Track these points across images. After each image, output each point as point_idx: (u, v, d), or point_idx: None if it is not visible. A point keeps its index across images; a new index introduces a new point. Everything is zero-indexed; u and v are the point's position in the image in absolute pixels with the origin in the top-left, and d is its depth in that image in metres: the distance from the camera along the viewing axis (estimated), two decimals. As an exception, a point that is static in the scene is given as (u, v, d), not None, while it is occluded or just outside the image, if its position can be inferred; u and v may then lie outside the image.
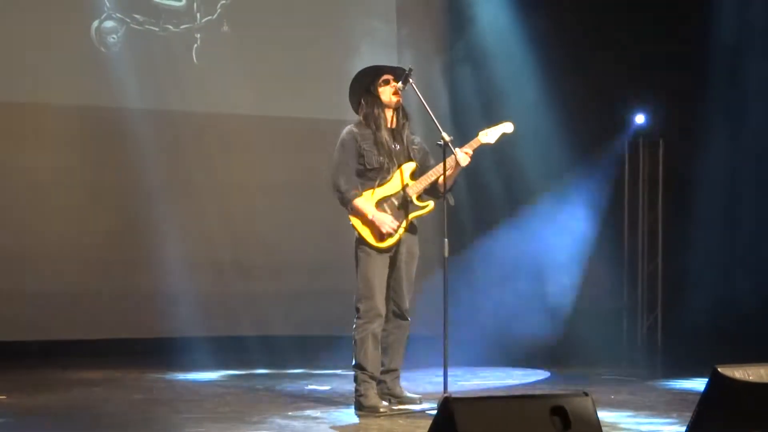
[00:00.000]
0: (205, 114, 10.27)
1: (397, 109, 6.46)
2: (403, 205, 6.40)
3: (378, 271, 6.37)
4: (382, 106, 6.42)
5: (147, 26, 10.18)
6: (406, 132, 6.50)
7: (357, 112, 6.53)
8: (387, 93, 6.41)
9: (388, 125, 6.46)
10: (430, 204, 6.46)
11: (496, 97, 10.77)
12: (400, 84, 6.35)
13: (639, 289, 11.44)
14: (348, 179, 6.38)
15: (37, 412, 6.52)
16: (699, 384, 4.41)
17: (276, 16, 10.57)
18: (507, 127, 6.46)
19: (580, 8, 10.82)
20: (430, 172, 6.41)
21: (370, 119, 6.43)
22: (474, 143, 6.39)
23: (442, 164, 6.21)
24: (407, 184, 6.43)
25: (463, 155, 6.26)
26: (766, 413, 4.19)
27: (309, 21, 10.60)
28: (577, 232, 10.85)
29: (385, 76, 6.41)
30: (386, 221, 6.34)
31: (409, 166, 6.47)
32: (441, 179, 6.25)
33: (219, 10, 10.43)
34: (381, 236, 6.36)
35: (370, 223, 6.36)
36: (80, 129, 9.90)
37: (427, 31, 11.09)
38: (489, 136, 6.41)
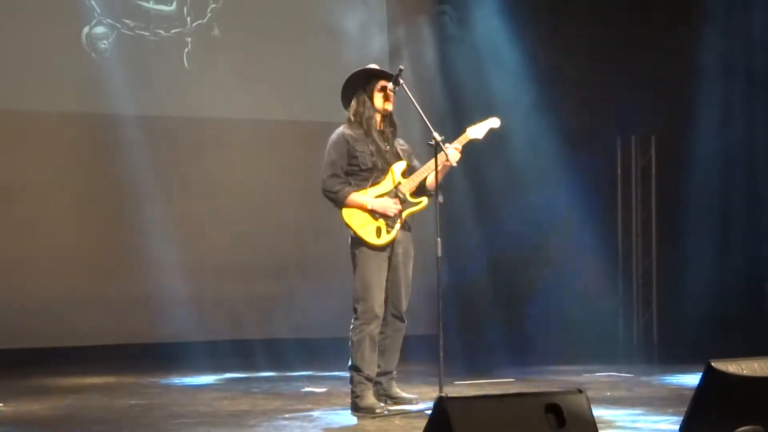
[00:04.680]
0: (197, 118, 10.27)
1: (387, 115, 6.49)
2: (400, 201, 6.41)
3: (376, 271, 6.37)
4: (374, 110, 6.44)
5: (138, 31, 10.18)
6: (394, 138, 6.52)
7: (344, 105, 6.53)
8: (380, 99, 6.42)
9: (378, 128, 6.48)
10: (424, 200, 6.46)
11: (487, 95, 10.78)
12: (390, 84, 6.36)
13: (634, 285, 11.44)
14: (339, 180, 6.39)
15: (34, 420, 6.51)
16: (695, 379, 4.41)
17: (266, 20, 10.58)
18: (494, 122, 6.51)
19: (573, 6, 10.83)
20: (422, 169, 6.42)
21: (362, 120, 6.43)
22: (462, 139, 6.42)
23: (432, 161, 6.22)
24: (399, 182, 6.44)
25: (453, 152, 6.29)
26: (759, 407, 4.20)
27: (299, 24, 10.61)
28: (569, 230, 10.85)
29: (382, 83, 6.41)
30: (388, 204, 6.35)
31: (401, 165, 6.48)
32: (431, 176, 6.27)
33: (209, 14, 10.43)
34: (379, 231, 6.36)
35: (366, 220, 6.35)
36: (72, 135, 9.90)
37: (418, 32, 11.10)
38: (477, 131, 6.45)
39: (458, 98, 10.93)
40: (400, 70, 6.36)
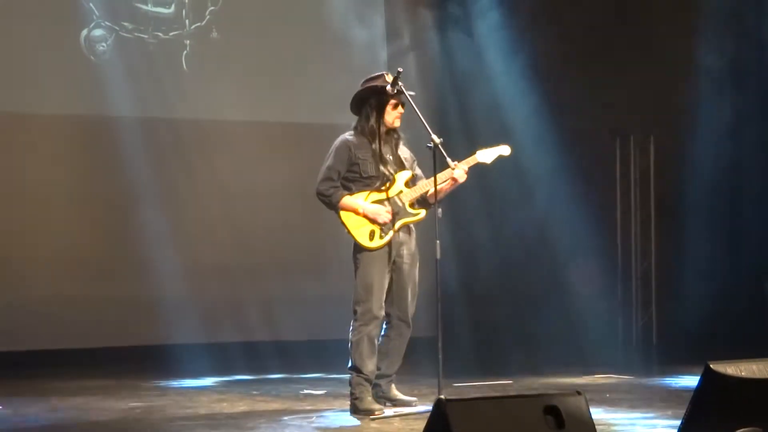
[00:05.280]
0: (195, 120, 10.27)
1: (393, 129, 6.53)
2: (396, 210, 6.42)
3: (376, 273, 6.38)
4: (382, 123, 6.45)
5: (136, 34, 10.18)
6: (398, 147, 6.55)
7: (353, 113, 6.55)
8: (392, 116, 6.47)
9: (382, 137, 6.49)
10: (422, 212, 6.50)
11: (487, 96, 10.79)
12: (389, 87, 6.38)
13: (633, 287, 11.44)
14: (333, 184, 6.41)
15: (33, 422, 6.52)
16: (694, 381, 4.41)
17: (265, 22, 10.58)
18: (504, 150, 6.62)
19: (571, 9, 10.84)
20: (425, 182, 6.45)
21: (367, 129, 6.45)
22: (471, 160, 6.50)
23: (438, 176, 6.24)
24: (401, 191, 6.46)
25: (460, 172, 6.35)
26: (758, 409, 4.20)
27: (298, 26, 10.61)
28: (568, 231, 10.85)
29: (395, 100, 6.43)
30: (380, 211, 6.37)
31: (405, 174, 6.52)
32: (433, 189, 6.28)
33: (208, 17, 10.43)
34: (373, 234, 6.37)
35: (360, 222, 6.37)
36: (71, 138, 9.90)
37: (420, 32, 11.10)
38: (486, 156, 6.55)
39: (459, 98, 10.94)
40: (399, 72, 6.37)
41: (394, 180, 6.47)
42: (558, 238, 10.95)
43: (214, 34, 10.44)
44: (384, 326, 6.53)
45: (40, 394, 7.74)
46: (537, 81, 10.62)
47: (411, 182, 6.52)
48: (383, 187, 6.44)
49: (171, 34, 10.32)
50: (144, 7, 10.22)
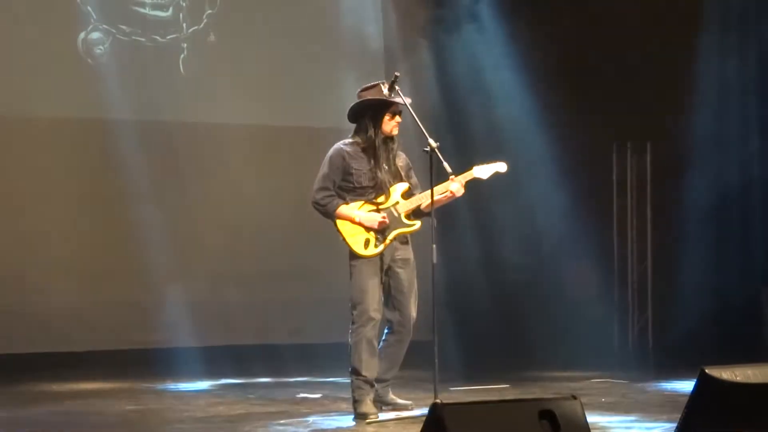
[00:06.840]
0: (193, 124, 10.27)
1: (391, 137, 6.54)
2: (391, 220, 6.44)
3: (370, 277, 6.41)
4: (380, 133, 6.47)
5: (133, 37, 10.19)
6: (394, 154, 6.56)
7: (351, 121, 6.56)
8: (390, 125, 6.47)
9: (379, 147, 6.51)
10: (417, 223, 6.51)
11: (485, 102, 10.81)
12: (386, 90, 6.39)
13: (629, 291, 11.45)
14: (328, 193, 6.43)
15: (30, 425, 6.52)
16: (689, 386, 4.43)
17: (262, 26, 10.59)
18: (500, 167, 6.64)
19: (569, 14, 10.85)
20: (421, 195, 6.46)
21: (364, 140, 6.47)
22: (467, 175, 6.52)
23: (435, 189, 6.26)
24: (397, 202, 6.48)
25: (458, 186, 6.37)
26: (753, 413, 4.22)
27: (295, 29, 10.61)
28: (564, 235, 10.86)
29: (393, 109, 6.44)
30: (375, 218, 6.39)
31: (402, 186, 6.53)
32: (431, 199, 6.29)
33: (205, 20, 10.44)
34: (368, 243, 6.40)
35: (356, 230, 6.39)
36: (69, 141, 9.89)
37: (414, 39, 11.11)
38: (482, 171, 6.57)
39: (455, 104, 10.95)
40: (396, 77, 6.39)
41: (389, 192, 6.48)
42: (554, 242, 10.96)
43: (212, 38, 10.45)
44: (385, 331, 6.56)
45: (37, 397, 7.75)
46: (534, 87, 10.63)
47: (407, 194, 6.54)
48: (378, 199, 6.46)
49: (168, 37, 10.32)
50: (141, 10, 10.23)
